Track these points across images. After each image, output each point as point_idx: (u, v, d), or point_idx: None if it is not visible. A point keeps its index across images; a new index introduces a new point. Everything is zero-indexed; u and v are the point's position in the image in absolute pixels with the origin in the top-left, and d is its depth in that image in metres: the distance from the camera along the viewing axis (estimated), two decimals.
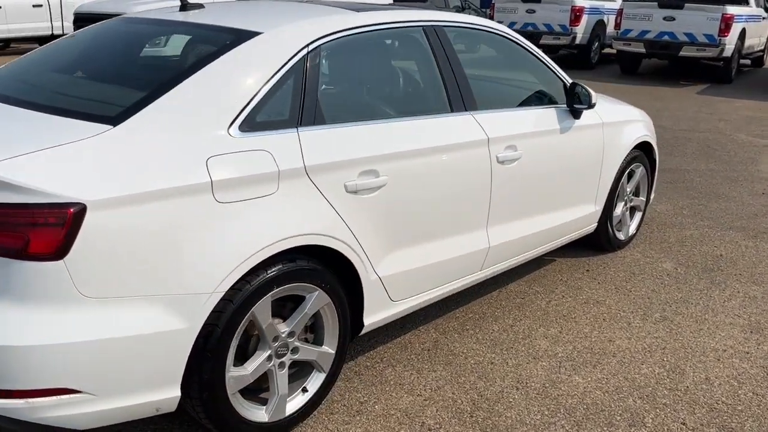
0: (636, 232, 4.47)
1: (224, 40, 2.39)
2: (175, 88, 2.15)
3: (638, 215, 4.50)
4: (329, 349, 2.54)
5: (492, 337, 3.21)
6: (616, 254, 4.29)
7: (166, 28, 2.63)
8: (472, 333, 3.24)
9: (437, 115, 2.86)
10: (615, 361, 3.03)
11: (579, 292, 3.72)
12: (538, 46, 14.45)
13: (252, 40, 2.38)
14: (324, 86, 2.52)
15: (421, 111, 2.84)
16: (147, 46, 2.57)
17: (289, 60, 2.40)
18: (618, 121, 3.95)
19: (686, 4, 12.03)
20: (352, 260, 2.48)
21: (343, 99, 2.61)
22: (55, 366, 1.83)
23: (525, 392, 2.77)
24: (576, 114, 3.57)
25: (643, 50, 12.62)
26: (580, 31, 13.90)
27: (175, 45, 2.64)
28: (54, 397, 1.86)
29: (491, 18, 14.54)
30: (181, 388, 2.12)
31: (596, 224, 4.05)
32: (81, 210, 1.82)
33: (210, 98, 2.18)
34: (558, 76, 3.61)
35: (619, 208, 4.24)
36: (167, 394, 2.07)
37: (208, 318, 2.09)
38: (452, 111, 2.94)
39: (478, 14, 17.23)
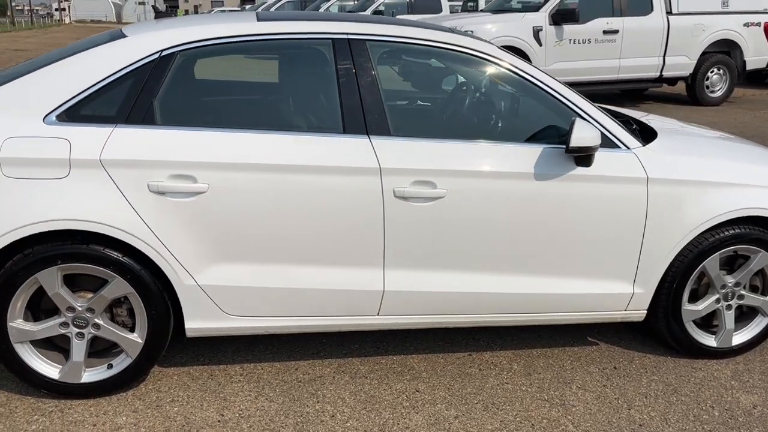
0: (749, 342, 3.15)
1: (98, 43, 2.70)
2: (19, 79, 2.58)
3: (762, 321, 3.16)
4: (137, 338, 2.67)
5: (378, 395, 2.80)
6: (691, 363, 3.12)
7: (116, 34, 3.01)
8: (366, 383, 2.88)
9: (312, 134, 2.64)
10: None
11: (557, 387, 2.89)
12: None
13: (108, 43, 2.64)
14: (170, 90, 2.61)
15: (290, 126, 2.67)
16: None
17: (132, 64, 2.59)
18: (685, 179, 2.87)
19: None
20: (153, 258, 2.55)
21: (188, 104, 2.64)
22: None
23: None
24: (583, 160, 2.76)
25: None
26: None
27: None
28: None
29: None
30: None
31: (644, 312, 3.03)
32: None
33: (38, 90, 2.54)
34: (573, 108, 2.84)
35: (704, 302, 3.07)
36: None
37: None
38: (345, 132, 2.67)
39: None
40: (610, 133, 2.88)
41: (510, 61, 2.86)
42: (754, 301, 3.12)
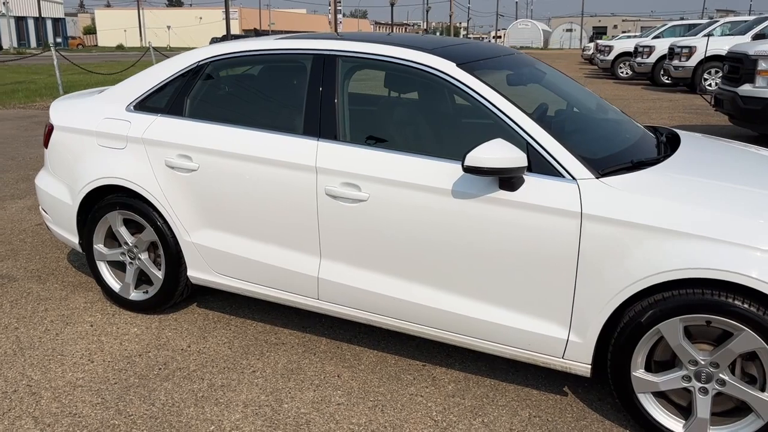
0: None
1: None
2: (129, 79, 3.69)
3: (754, 423, 2.44)
4: (160, 274, 3.55)
5: (304, 370, 3.13)
6: None
7: None
8: (307, 358, 3.23)
9: (279, 132, 3.11)
10: None
11: (461, 414, 2.78)
12: None
13: (179, 54, 3.55)
14: (197, 90, 3.38)
15: (266, 125, 3.16)
16: None
17: (180, 70, 3.45)
18: (633, 222, 2.43)
19: None
20: (165, 216, 3.39)
21: (204, 101, 3.35)
22: (40, 196, 3.91)
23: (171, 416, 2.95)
24: (504, 183, 2.63)
25: None
26: None
27: None
28: (43, 212, 3.96)
29: None
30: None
31: (588, 366, 2.67)
32: (52, 127, 3.77)
33: (130, 87, 3.60)
34: (517, 132, 2.70)
35: (666, 376, 2.54)
36: (76, 238, 3.79)
37: (85, 206, 3.68)
38: (303, 134, 3.08)
39: None
40: (554, 159, 2.64)
41: (468, 82, 2.83)
42: (738, 392, 2.44)
